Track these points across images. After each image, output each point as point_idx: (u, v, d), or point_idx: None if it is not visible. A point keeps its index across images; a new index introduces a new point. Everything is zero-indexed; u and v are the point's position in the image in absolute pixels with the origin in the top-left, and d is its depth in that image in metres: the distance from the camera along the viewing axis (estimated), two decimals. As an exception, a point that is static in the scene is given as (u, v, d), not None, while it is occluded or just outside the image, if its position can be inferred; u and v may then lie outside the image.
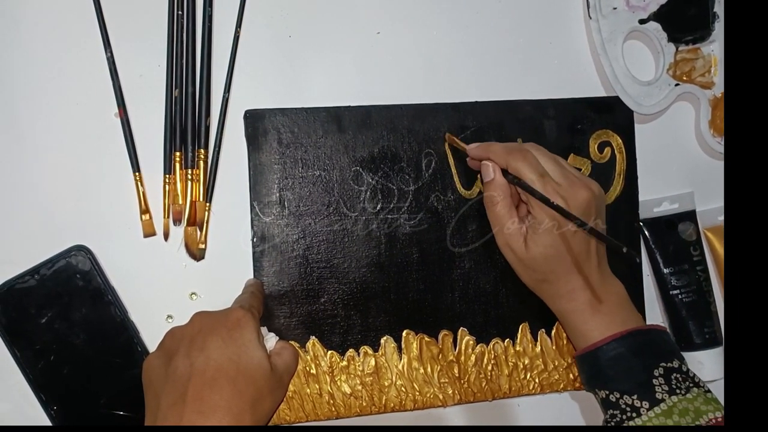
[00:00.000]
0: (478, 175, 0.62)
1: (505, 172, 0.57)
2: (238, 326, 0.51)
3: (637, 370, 0.55)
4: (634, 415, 0.54)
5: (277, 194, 0.60)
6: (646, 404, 0.54)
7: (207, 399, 0.47)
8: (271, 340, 0.55)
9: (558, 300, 0.59)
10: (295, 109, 0.61)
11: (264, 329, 0.57)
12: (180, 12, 0.60)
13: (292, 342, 0.59)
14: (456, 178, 0.63)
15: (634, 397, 0.54)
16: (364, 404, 0.60)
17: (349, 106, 0.61)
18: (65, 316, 0.57)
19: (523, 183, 0.55)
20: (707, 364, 0.65)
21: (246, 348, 0.50)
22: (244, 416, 0.48)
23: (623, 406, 0.55)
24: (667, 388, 0.54)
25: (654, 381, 0.54)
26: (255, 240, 0.60)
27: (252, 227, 0.60)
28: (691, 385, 0.55)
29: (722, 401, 0.54)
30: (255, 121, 0.60)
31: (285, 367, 0.54)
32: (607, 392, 0.56)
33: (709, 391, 0.55)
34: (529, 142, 0.61)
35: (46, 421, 0.58)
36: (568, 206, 0.55)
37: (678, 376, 0.55)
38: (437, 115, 0.63)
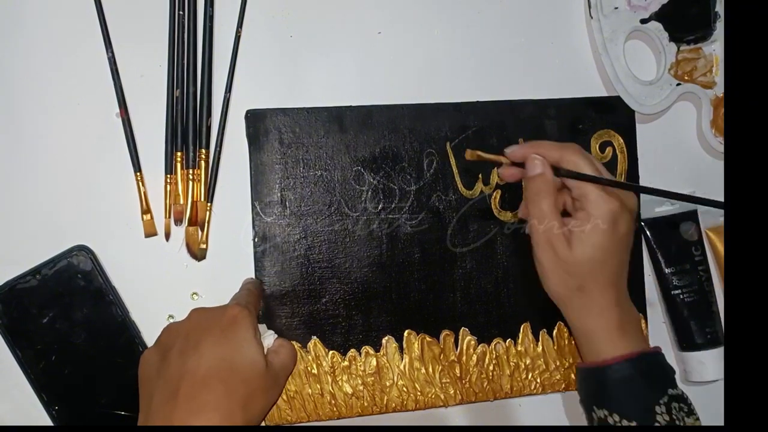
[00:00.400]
0: (480, 175, 0.62)
1: (554, 169, 0.54)
2: (233, 324, 0.51)
3: (642, 395, 0.53)
4: None
5: (279, 194, 0.60)
6: None
7: (198, 398, 0.47)
8: (269, 338, 0.55)
9: (587, 315, 0.55)
10: (297, 108, 0.61)
11: (263, 327, 0.57)
12: (181, 12, 0.60)
13: (293, 342, 0.59)
14: (457, 178, 0.63)
15: (633, 423, 0.53)
16: (366, 404, 0.60)
17: (351, 106, 0.61)
18: (66, 316, 0.57)
19: (584, 174, 0.53)
20: (709, 365, 0.64)
21: (240, 346, 0.50)
22: (235, 415, 0.48)
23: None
24: (667, 418, 0.53)
25: (657, 409, 0.53)
26: (256, 240, 0.60)
27: (253, 227, 0.60)
28: (686, 414, 0.54)
29: (722, 402, 0.54)
30: (256, 121, 0.60)
31: (281, 366, 0.54)
32: (607, 413, 0.54)
33: (698, 418, 0.54)
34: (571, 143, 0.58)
35: (47, 421, 0.58)
36: (622, 205, 0.53)
37: (678, 405, 0.53)
38: (438, 114, 0.63)
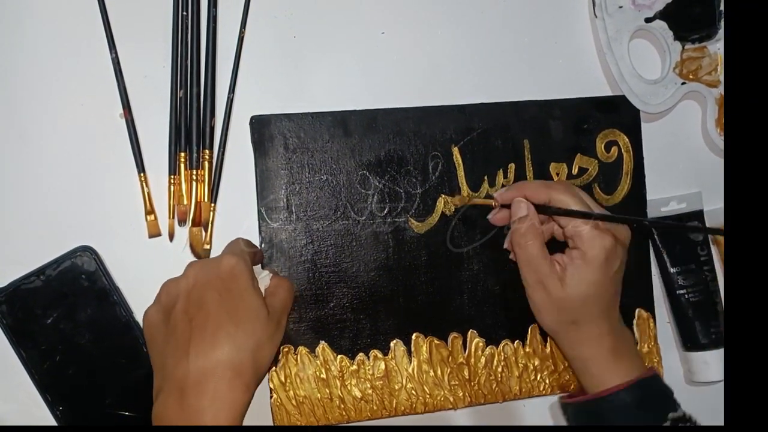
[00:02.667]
0: (486, 177, 0.62)
1: (542, 208, 0.56)
2: (231, 277, 0.51)
3: (645, 422, 0.54)
4: None
5: (284, 199, 0.60)
6: None
7: (209, 356, 0.48)
8: (265, 279, 0.55)
9: (580, 345, 0.57)
10: (301, 114, 0.60)
11: (257, 268, 0.57)
12: (185, 12, 0.59)
13: (301, 346, 0.60)
14: (463, 180, 0.62)
15: None
16: (375, 408, 0.60)
17: (355, 110, 0.61)
18: (71, 317, 0.57)
19: (574, 210, 0.54)
20: (713, 365, 0.65)
21: (242, 297, 0.51)
22: (245, 367, 0.49)
23: None
24: None
25: None
26: (263, 245, 0.60)
27: (260, 233, 0.60)
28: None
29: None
30: (261, 126, 0.60)
31: (281, 306, 0.54)
32: None
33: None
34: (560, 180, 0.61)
35: (51, 422, 0.58)
36: (615, 241, 0.54)
37: (683, 425, 0.54)
38: (443, 117, 0.62)
